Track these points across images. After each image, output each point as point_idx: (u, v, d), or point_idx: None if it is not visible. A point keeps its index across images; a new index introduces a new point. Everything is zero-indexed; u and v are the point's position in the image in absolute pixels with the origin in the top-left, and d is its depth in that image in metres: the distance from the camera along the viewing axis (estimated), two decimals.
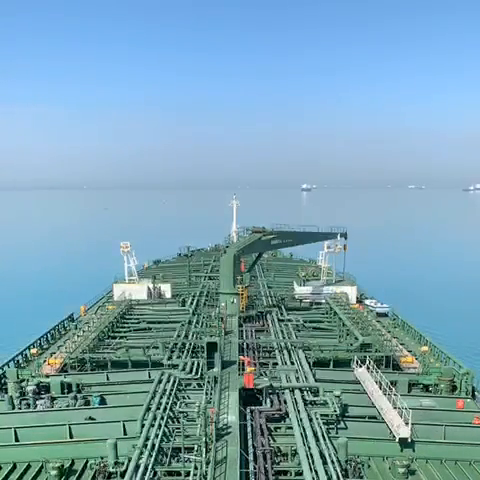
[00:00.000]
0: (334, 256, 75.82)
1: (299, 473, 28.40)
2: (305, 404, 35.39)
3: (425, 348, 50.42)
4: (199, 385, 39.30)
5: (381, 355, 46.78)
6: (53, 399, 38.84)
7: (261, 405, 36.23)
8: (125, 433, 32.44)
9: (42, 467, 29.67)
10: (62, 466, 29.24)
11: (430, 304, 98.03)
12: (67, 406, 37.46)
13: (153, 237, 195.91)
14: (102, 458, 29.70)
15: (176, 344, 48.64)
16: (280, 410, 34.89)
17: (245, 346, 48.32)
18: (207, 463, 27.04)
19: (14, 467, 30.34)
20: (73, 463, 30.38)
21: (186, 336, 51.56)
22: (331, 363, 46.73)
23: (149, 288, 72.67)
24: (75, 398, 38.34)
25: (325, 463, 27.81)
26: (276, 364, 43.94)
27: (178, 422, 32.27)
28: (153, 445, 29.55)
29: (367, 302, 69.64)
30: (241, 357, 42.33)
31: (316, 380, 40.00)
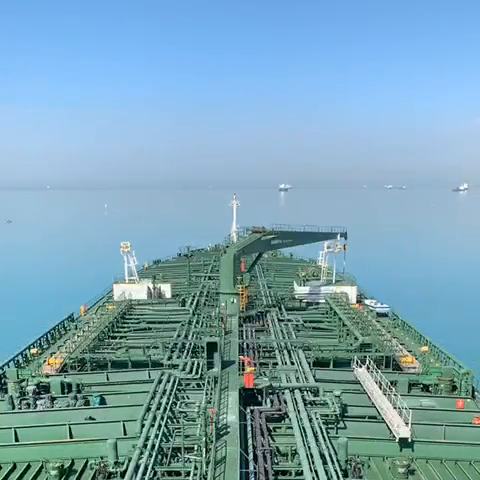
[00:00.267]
0: (334, 256, 75.87)
1: (299, 473, 28.40)
2: (305, 404, 35.40)
3: (425, 348, 50.41)
4: (199, 385, 39.29)
5: (381, 355, 46.78)
6: (53, 399, 38.88)
7: (261, 405, 36.25)
8: (125, 433, 32.47)
9: (42, 467, 29.66)
10: (62, 466, 29.23)
11: (430, 304, 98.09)
12: (67, 406, 37.50)
13: (153, 237, 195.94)
14: (102, 458, 29.71)
15: (176, 344, 48.66)
16: (280, 410, 34.89)
17: (245, 346, 48.35)
18: (207, 463, 27.03)
19: (14, 467, 30.35)
20: (73, 463, 30.38)
21: (186, 336, 51.57)
22: (331, 363, 46.78)
23: (149, 288, 72.68)
24: (75, 398, 38.38)
25: (325, 463, 27.83)
26: (276, 364, 43.95)
27: (178, 422, 32.33)
28: (153, 445, 29.54)
29: (367, 302, 69.68)
30: (241, 357, 42.29)
31: (316, 380, 40.02)
